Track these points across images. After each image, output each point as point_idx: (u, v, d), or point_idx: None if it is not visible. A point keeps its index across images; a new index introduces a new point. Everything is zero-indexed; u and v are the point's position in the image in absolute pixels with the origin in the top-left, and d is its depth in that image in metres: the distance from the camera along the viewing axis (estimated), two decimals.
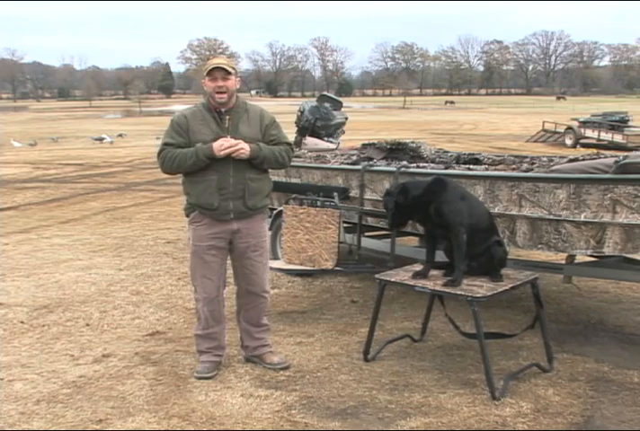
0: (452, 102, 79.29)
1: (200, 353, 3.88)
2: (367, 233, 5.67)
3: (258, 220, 3.82)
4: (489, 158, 5.76)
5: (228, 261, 3.89)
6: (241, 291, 3.92)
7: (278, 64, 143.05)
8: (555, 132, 23.73)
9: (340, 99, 7.71)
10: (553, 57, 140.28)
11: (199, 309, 3.86)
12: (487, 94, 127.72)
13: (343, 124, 7.20)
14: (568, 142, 22.36)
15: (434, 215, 3.69)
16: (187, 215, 3.82)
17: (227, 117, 3.66)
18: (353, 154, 6.28)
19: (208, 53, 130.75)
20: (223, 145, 3.54)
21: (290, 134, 7.06)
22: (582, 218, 3.96)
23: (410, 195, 3.73)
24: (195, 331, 3.94)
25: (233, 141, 3.57)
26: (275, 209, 6.17)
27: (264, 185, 3.81)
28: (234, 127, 3.66)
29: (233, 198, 3.65)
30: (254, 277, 3.85)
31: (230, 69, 3.61)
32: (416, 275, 3.77)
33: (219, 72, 3.60)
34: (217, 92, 3.60)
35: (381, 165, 5.36)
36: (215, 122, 3.65)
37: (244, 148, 3.58)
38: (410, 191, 3.74)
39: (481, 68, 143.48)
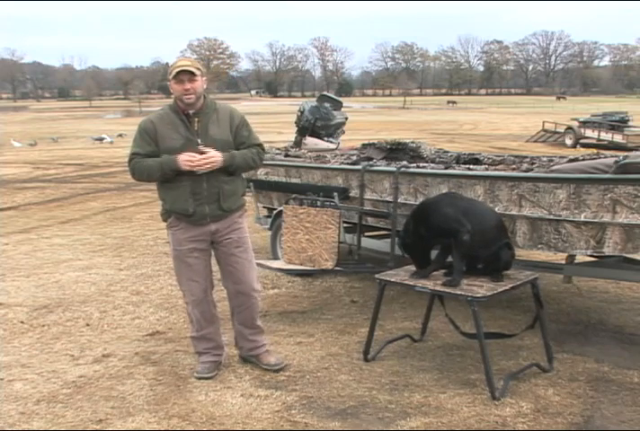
0: (454, 102, 79.16)
1: (199, 354, 3.88)
2: (367, 233, 5.67)
3: (235, 218, 3.77)
4: (489, 158, 5.76)
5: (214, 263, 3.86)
6: (230, 293, 3.87)
7: (278, 64, 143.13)
8: (555, 132, 23.71)
9: (340, 99, 7.70)
10: (553, 57, 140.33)
11: (189, 312, 3.85)
12: (487, 94, 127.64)
13: (343, 124, 7.20)
14: (568, 142, 22.35)
15: (430, 231, 3.69)
16: (164, 220, 3.77)
17: (196, 119, 3.59)
18: (353, 154, 6.28)
19: (208, 53, 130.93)
20: (190, 162, 3.47)
21: (290, 134, 7.08)
22: (582, 218, 3.96)
23: (412, 233, 3.72)
24: (190, 334, 3.94)
25: (199, 157, 3.48)
26: (275, 209, 6.18)
27: (238, 186, 3.76)
28: (203, 129, 3.59)
29: (208, 203, 3.60)
30: (240, 275, 3.78)
31: (196, 71, 3.54)
32: (415, 275, 3.77)
33: (185, 74, 3.52)
34: (185, 94, 3.53)
35: (381, 165, 5.36)
36: (184, 125, 3.57)
37: (215, 160, 3.51)
38: (410, 230, 3.74)
39: (481, 68, 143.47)
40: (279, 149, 6.76)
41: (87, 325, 4.71)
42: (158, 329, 4.62)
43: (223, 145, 3.62)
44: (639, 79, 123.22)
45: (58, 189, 12.66)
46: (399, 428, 3.16)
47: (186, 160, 3.48)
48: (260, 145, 3.81)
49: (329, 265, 5.07)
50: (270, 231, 6.26)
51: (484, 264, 3.73)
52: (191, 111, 3.59)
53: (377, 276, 3.90)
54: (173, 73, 3.53)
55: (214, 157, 3.52)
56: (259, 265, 5.54)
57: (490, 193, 4.40)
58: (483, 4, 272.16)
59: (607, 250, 3.96)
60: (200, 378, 3.72)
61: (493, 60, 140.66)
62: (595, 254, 4.32)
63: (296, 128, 7.08)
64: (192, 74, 3.54)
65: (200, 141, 3.57)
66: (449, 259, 3.85)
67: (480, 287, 3.55)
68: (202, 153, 3.52)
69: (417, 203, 4.06)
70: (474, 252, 3.68)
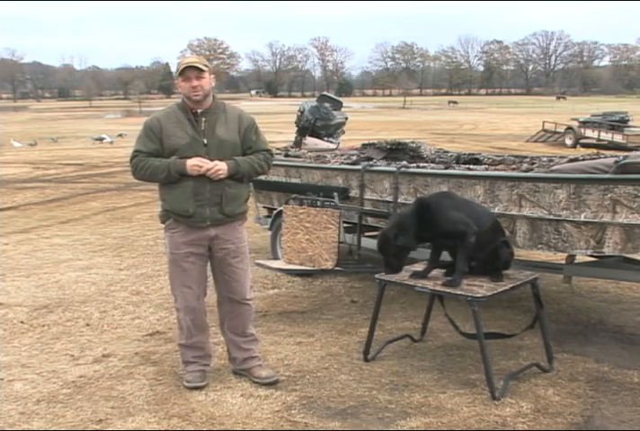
0: (455, 102, 79.16)
1: (187, 363, 3.73)
2: (367, 233, 5.67)
3: (236, 226, 3.68)
4: (489, 158, 5.77)
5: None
6: (222, 299, 3.78)
7: (278, 64, 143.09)
8: (555, 132, 23.72)
9: (340, 99, 7.71)
10: (553, 57, 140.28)
11: (180, 318, 3.71)
12: (487, 94, 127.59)
13: (343, 124, 7.21)
14: (568, 142, 22.35)
15: (434, 231, 3.66)
16: (162, 222, 3.66)
17: (203, 119, 3.52)
18: (353, 154, 6.29)
19: (208, 53, 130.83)
20: (199, 168, 3.42)
21: (290, 134, 7.08)
22: (582, 218, 3.96)
23: (410, 228, 3.67)
24: (179, 341, 3.78)
25: (210, 164, 3.44)
26: (275, 209, 6.18)
27: (242, 191, 3.66)
28: (210, 129, 3.52)
29: (209, 205, 3.52)
30: (235, 285, 3.70)
31: (203, 67, 3.48)
32: (415, 275, 3.77)
33: (192, 71, 3.46)
34: (192, 92, 3.46)
35: (381, 165, 5.36)
36: (190, 124, 3.49)
37: (221, 170, 3.46)
38: (407, 224, 3.68)
39: (481, 68, 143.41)
40: (279, 149, 6.76)
41: (87, 325, 4.71)
42: (158, 329, 4.61)
43: (229, 146, 3.55)
44: (639, 79, 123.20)
45: (58, 189, 12.66)
46: (399, 428, 3.16)
47: (194, 165, 3.43)
48: (268, 151, 3.72)
49: (329, 265, 5.08)
50: (270, 231, 6.26)
51: (484, 264, 3.73)
52: (199, 110, 3.53)
53: (377, 276, 3.89)
54: (180, 69, 3.47)
55: (220, 169, 3.46)
56: (259, 265, 5.56)
57: (490, 193, 4.41)
58: (483, 4, 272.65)
59: (607, 250, 3.96)
60: (192, 387, 3.60)
61: (493, 60, 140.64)
62: (595, 254, 4.32)
63: (296, 128, 7.08)
64: (200, 70, 3.48)
65: (205, 141, 3.51)
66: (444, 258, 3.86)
67: (480, 287, 3.55)
68: (211, 160, 3.48)
69: None
70: (474, 253, 3.67)
